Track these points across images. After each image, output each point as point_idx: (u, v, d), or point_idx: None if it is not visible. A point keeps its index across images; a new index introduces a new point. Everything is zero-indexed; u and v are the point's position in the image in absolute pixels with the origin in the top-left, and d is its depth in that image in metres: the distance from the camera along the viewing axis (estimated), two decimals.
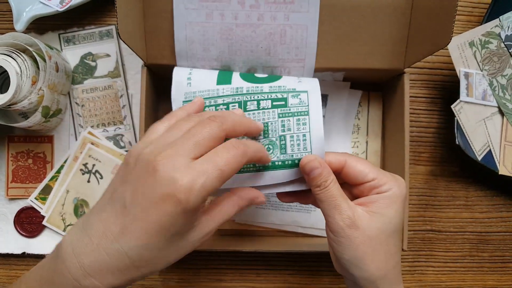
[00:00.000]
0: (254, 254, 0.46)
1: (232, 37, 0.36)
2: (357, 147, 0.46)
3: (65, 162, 0.45)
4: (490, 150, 0.43)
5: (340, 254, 0.29)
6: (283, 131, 0.32)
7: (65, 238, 0.25)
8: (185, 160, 0.23)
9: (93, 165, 0.45)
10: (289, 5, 0.35)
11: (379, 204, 0.28)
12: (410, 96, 0.41)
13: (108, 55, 0.46)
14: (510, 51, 0.44)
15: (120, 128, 0.46)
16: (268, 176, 0.32)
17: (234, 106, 0.33)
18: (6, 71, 0.38)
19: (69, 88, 0.46)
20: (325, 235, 0.43)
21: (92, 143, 0.45)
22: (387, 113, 0.44)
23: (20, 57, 0.39)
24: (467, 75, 0.43)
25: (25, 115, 0.44)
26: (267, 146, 0.32)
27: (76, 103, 0.46)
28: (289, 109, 0.32)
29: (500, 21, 0.43)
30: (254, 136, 0.32)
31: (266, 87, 0.34)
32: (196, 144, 0.24)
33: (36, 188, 0.45)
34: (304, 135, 0.32)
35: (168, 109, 0.43)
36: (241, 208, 0.28)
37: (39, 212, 0.45)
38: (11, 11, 0.42)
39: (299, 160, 0.31)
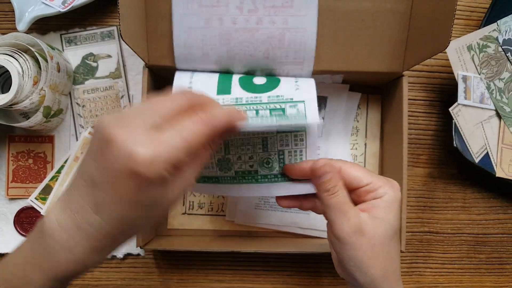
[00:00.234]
0: (253, 255, 0.46)
1: (231, 42, 0.36)
2: (356, 149, 0.46)
3: (65, 162, 0.45)
4: (487, 152, 0.44)
5: (345, 259, 0.29)
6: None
7: (48, 216, 0.24)
8: (144, 131, 0.22)
9: None
10: (288, 9, 0.36)
11: (380, 209, 0.29)
12: (409, 99, 0.41)
13: (109, 56, 0.46)
14: (507, 55, 0.44)
15: None
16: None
17: None
18: (8, 71, 0.38)
19: (70, 88, 0.46)
20: (324, 236, 0.44)
21: None
22: (386, 116, 0.45)
23: (22, 57, 0.40)
24: (465, 79, 0.43)
25: (26, 115, 0.44)
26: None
27: (77, 103, 0.46)
28: (287, 118, 0.33)
29: (498, 25, 0.44)
30: (235, 129, 0.28)
31: (264, 97, 0.34)
32: (157, 113, 0.23)
33: (36, 188, 0.45)
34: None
35: None
36: (215, 131, 0.24)
37: (39, 212, 0.45)
38: (14, 11, 0.42)
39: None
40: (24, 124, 0.40)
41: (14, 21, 0.42)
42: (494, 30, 0.44)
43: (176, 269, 0.46)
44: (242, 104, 0.34)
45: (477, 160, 0.43)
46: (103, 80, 0.46)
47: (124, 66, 0.46)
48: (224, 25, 0.36)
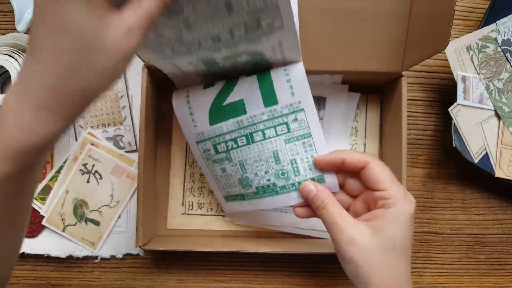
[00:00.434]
0: (253, 255, 0.46)
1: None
2: (355, 149, 0.46)
3: (65, 162, 0.45)
4: (486, 153, 0.44)
5: (344, 268, 0.30)
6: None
7: (6, 102, 0.21)
8: None
9: (93, 165, 0.45)
10: None
11: (381, 221, 0.29)
12: (408, 99, 0.41)
13: None
14: (506, 55, 0.44)
15: (120, 129, 0.46)
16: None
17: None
18: (7, 71, 0.39)
19: None
20: (324, 237, 0.44)
21: (92, 144, 0.45)
22: (385, 116, 0.45)
23: (21, 58, 0.40)
24: (464, 79, 0.43)
25: None
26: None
27: None
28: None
29: (496, 26, 0.44)
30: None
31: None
32: None
33: None
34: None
35: (168, 110, 0.44)
36: None
37: (39, 212, 0.45)
38: (13, 11, 0.42)
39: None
40: None
41: (14, 21, 0.42)
42: (493, 30, 0.44)
43: (176, 269, 0.46)
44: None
45: (476, 161, 0.43)
46: None
47: None
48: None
